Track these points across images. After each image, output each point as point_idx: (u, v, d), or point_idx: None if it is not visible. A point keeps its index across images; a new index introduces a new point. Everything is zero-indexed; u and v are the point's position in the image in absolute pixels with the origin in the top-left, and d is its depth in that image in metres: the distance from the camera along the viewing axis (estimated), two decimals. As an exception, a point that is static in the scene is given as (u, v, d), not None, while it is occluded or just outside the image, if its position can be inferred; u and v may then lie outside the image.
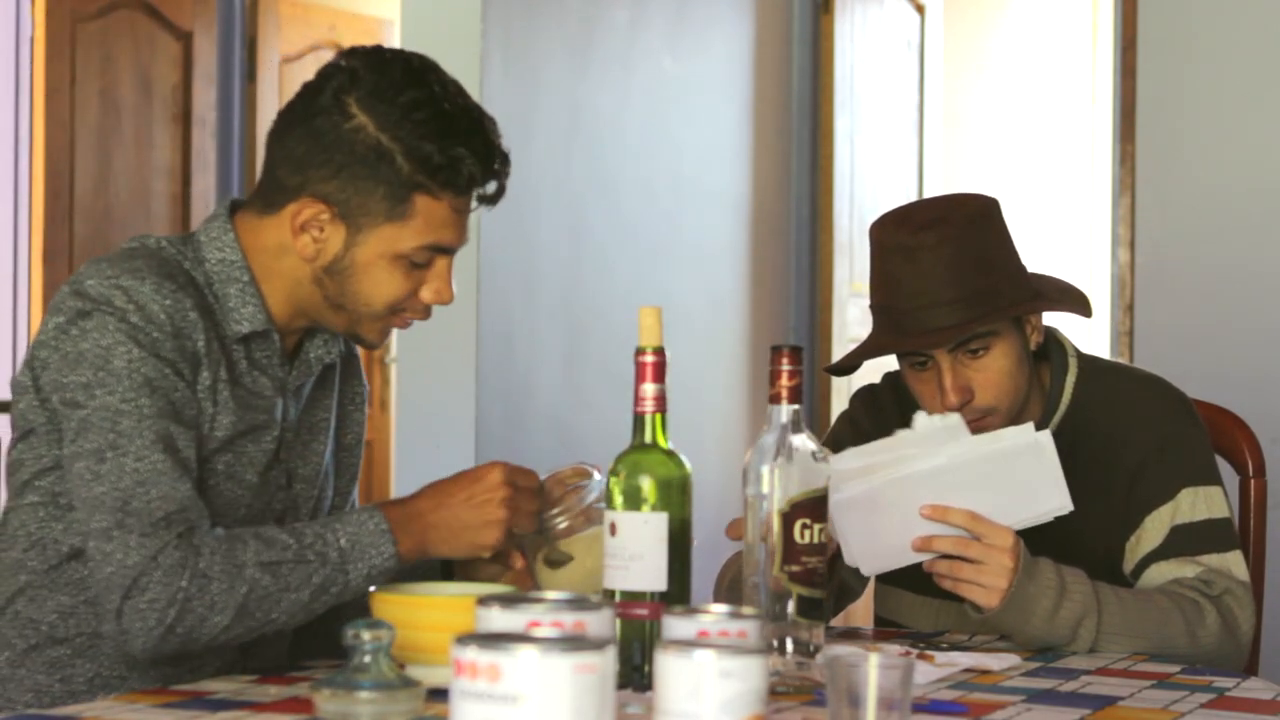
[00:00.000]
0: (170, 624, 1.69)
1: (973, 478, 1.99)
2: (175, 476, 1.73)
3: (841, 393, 5.60)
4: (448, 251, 1.88)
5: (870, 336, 2.16)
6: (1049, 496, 2.00)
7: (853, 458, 2.01)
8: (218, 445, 1.84)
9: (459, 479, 1.83)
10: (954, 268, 2.07)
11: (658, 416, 1.66)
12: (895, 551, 2.01)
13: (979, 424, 2.10)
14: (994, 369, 2.11)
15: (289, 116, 1.88)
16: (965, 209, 2.13)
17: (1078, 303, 2.20)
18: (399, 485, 4.62)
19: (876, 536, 2.01)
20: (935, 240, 2.08)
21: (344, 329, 1.92)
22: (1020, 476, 2.00)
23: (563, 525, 1.87)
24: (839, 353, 5.50)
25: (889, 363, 2.24)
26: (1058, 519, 2.04)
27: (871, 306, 2.16)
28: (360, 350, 2.08)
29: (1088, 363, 2.25)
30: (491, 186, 1.88)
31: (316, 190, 1.84)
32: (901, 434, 2.02)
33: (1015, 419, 2.13)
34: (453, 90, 1.85)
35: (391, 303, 1.88)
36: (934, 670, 1.82)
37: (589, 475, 1.89)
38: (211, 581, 1.69)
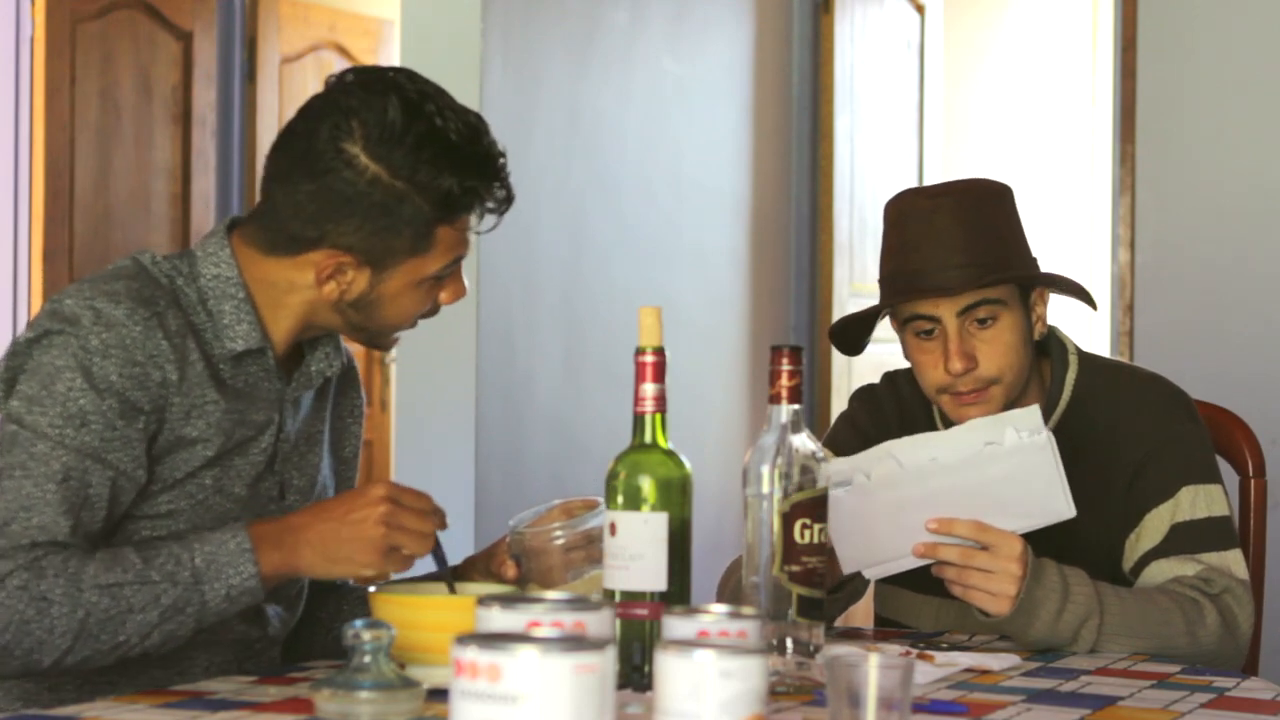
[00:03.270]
0: (7, 646, 1.68)
1: (974, 481, 1.99)
2: (60, 510, 1.72)
3: (841, 393, 5.60)
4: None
5: (881, 299, 2.17)
6: (1052, 501, 1.99)
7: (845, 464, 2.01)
8: (204, 462, 1.84)
9: (340, 496, 1.79)
10: (970, 231, 2.11)
11: (658, 416, 1.66)
12: (898, 557, 2.01)
13: (981, 394, 2.12)
14: (1000, 341, 2.13)
15: (290, 162, 1.84)
16: (980, 185, 2.19)
17: (1078, 292, 2.22)
18: (399, 485, 4.61)
19: (877, 542, 2.01)
20: (953, 204, 2.12)
21: (360, 342, 1.94)
22: (1022, 481, 1.99)
23: (559, 540, 1.87)
24: (839, 354, 5.46)
25: (888, 362, 2.24)
26: (1058, 516, 2.04)
27: (880, 280, 2.18)
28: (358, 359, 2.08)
29: (1088, 360, 2.25)
30: (501, 193, 1.88)
31: (338, 243, 1.83)
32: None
33: (1015, 407, 2.13)
34: (447, 111, 1.83)
35: (415, 317, 1.91)
36: (934, 670, 1.82)
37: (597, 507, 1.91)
38: (52, 605, 1.67)
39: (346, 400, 2.07)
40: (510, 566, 1.89)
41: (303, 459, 1.97)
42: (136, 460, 1.78)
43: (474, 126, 1.85)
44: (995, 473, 1.98)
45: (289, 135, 1.86)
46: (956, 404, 2.13)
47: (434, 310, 1.93)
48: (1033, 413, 2.00)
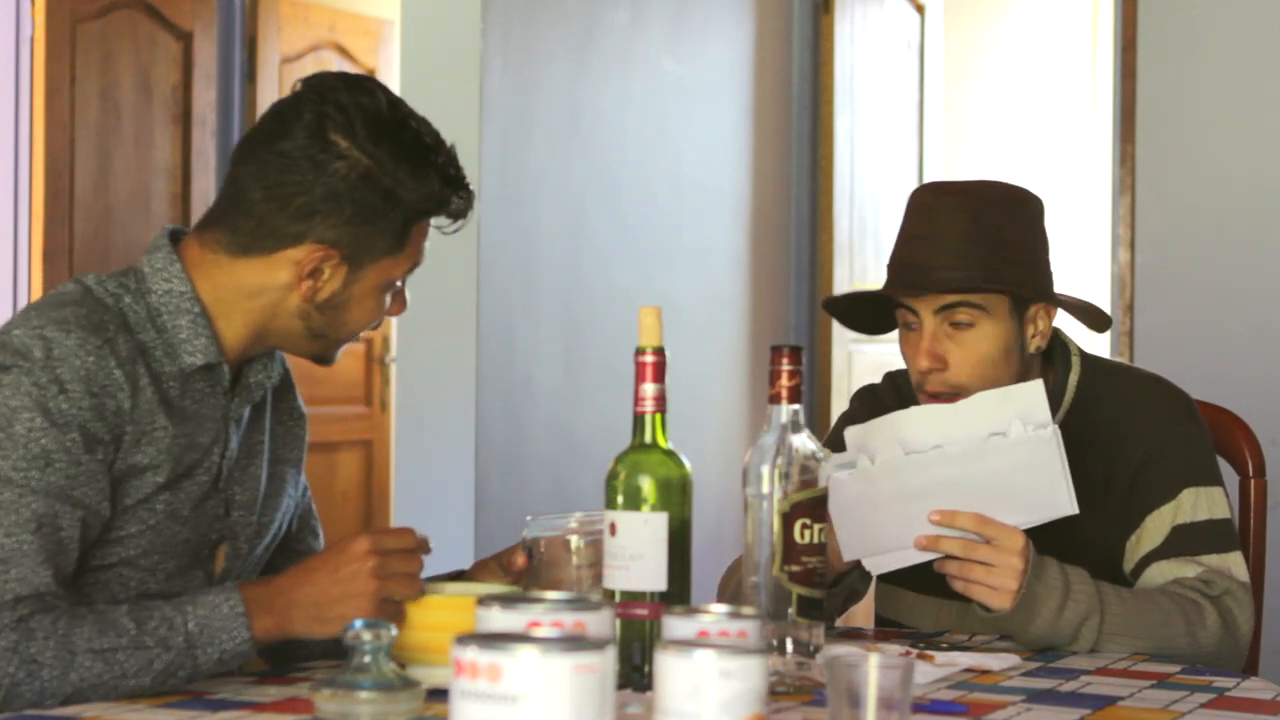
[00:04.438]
0: None
1: (978, 472, 1.99)
2: (39, 560, 1.68)
3: (841, 393, 5.60)
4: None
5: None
6: (1055, 497, 1.99)
7: (854, 434, 2.02)
8: (155, 488, 1.80)
9: (323, 554, 1.76)
10: (964, 234, 2.10)
11: (657, 416, 1.66)
12: (900, 550, 2.01)
13: (950, 400, 2.08)
14: (974, 348, 2.11)
15: (272, 157, 1.81)
16: (998, 190, 2.18)
17: (1089, 315, 2.20)
18: (399, 485, 4.62)
19: (878, 530, 2.01)
20: (956, 204, 2.12)
21: (311, 353, 1.91)
22: (1026, 474, 1.99)
23: (574, 541, 1.87)
24: (839, 354, 5.49)
25: (889, 362, 2.24)
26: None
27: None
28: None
29: (1091, 362, 2.25)
30: (463, 197, 1.88)
31: (323, 236, 1.81)
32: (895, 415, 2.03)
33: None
34: (416, 115, 1.86)
35: (369, 325, 1.90)
36: (934, 670, 1.82)
37: None
38: (43, 668, 1.64)
39: (284, 404, 2.02)
40: (522, 557, 1.88)
41: (244, 473, 1.92)
42: (101, 493, 1.75)
43: (436, 134, 1.86)
44: (999, 464, 1.98)
45: (264, 133, 1.83)
46: (925, 401, 2.13)
47: (379, 322, 1.93)
48: (1037, 391, 2.00)
